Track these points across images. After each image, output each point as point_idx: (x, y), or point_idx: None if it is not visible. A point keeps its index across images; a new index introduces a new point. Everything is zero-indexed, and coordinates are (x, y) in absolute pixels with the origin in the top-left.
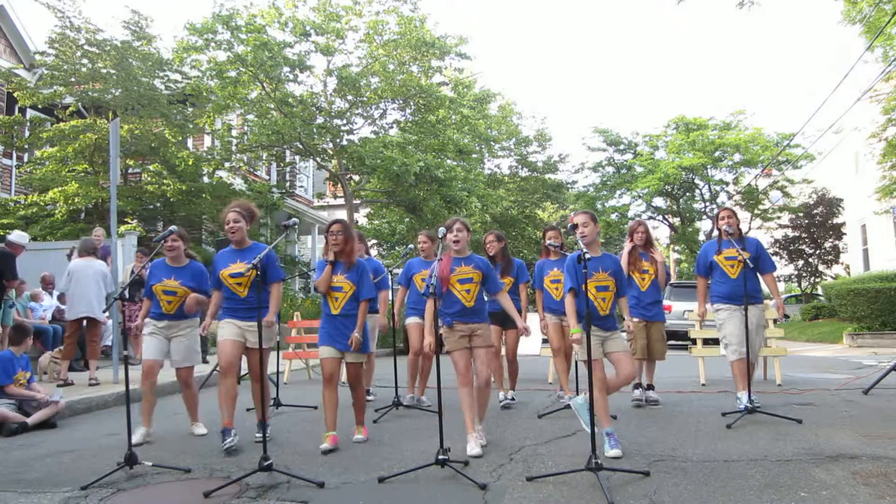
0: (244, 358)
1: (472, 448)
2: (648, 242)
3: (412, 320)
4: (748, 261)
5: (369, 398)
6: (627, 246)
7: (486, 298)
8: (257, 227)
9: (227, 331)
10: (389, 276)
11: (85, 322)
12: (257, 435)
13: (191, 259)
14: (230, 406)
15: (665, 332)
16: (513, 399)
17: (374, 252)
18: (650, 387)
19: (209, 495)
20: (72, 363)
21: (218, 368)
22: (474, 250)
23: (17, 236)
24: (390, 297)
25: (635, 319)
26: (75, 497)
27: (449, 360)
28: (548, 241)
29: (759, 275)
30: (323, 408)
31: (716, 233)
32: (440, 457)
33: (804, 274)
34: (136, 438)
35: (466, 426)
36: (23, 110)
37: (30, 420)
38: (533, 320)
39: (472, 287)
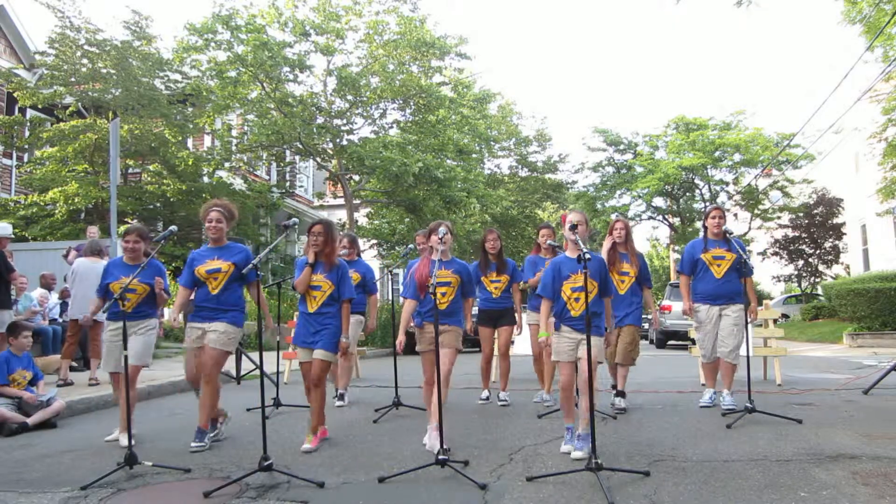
0: (245, 359)
1: (432, 442)
2: (628, 240)
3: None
4: (746, 261)
5: (341, 403)
6: (607, 243)
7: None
8: (257, 227)
9: (189, 336)
10: (389, 277)
11: (91, 322)
12: (193, 444)
13: (148, 257)
14: (206, 409)
15: (644, 333)
16: (505, 400)
17: (373, 252)
18: (621, 393)
19: (209, 495)
20: (72, 363)
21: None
22: (475, 249)
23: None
24: (389, 299)
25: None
26: (75, 497)
27: (458, 360)
28: (546, 241)
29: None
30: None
31: (702, 231)
32: (440, 457)
33: (804, 274)
34: (113, 437)
35: (429, 419)
36: (23, 110)
37: (30, 420)
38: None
39: (449, 291)
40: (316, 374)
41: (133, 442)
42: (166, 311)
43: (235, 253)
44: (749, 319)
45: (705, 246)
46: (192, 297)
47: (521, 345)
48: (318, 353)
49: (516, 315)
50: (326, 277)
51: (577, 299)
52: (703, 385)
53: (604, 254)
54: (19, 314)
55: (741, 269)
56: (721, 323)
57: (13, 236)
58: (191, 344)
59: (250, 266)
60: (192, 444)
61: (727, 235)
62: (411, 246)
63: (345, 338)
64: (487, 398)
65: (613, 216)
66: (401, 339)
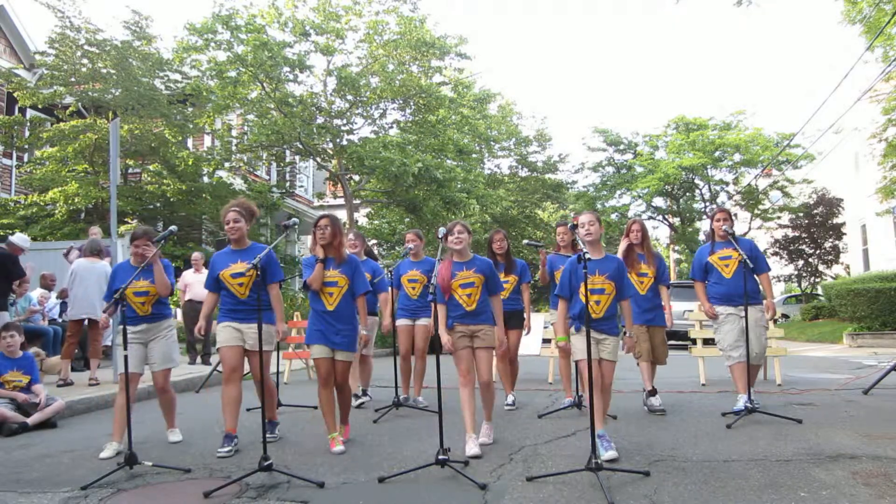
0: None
1: (471, 448)
2: (645, 241)
3: (400, 322)
4: (747, 261)
5: (364, 398)
6: (623, 244)
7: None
8: (257, 227)
9: (226, 335)
10: (389, 277)
11: (86, 322)
12: (270, 436)
13: (153, 255)
14: (234, 412)
15: (666, 335)
16: (513, 403)
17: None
18: (653, 392)
19: (209, 495)
20: (72, 363)
21: (220, 372)
22: (475, 250)
23: (18, 239)
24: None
25: (636, 325)
26: (75, 497)
27: (448, 359)
28: (559, 238)
29: (755, 275)
30: (322, 410)
31: (705, 234)
32: (440, 457)
33: (804, 274)
34: (106, 454)
35: (466, 426)
36: (23, 110)
37: (30, 420)
38: (535, 320)
39: (474, 291)
40: (341, 375)
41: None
42: (178, 311)
43: (256, 254)
44: (767, 316)
45: (712, 248)
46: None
47: (524, 344)
48: (341, 356)
49: (525, 315)
50: (341, 273)
51: (597, 301)
52: (736, 393)
53: (620, 254)
54: (19, 314)
55: (749, 268)
56: (746, 325)
57: (25, 249)
58: (229, 342)
59: (249, 266)
60: (269, 436)
61: (729, 236)
62: (410, 246)
63: (363, 330)
64: (514, 403)
65: (614, 216)
66: (446, 338)
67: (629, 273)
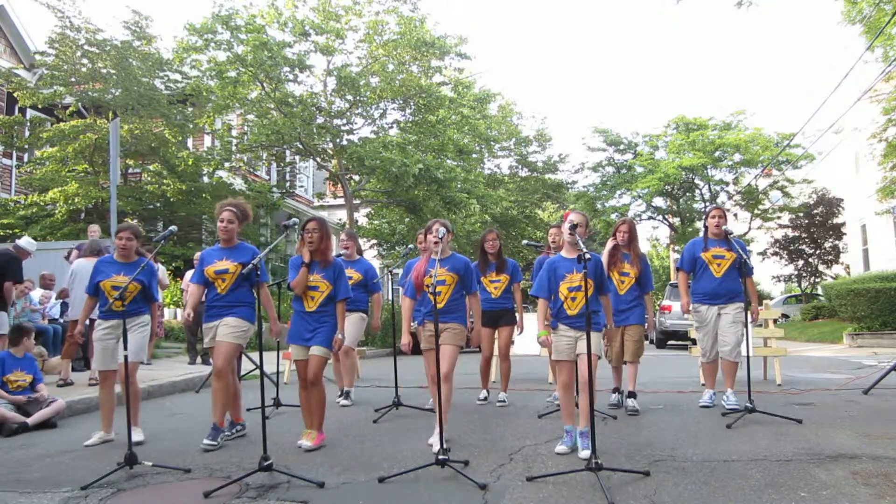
0: (242, 357)
1: (432, 437)
2: (632, 242)
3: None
4: (747, 260)
5: (347, 402)
6: (609, 244)
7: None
8: (257, 227)
9: (208, 337)
10: (389, 277)
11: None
12: (227, 433)
13: (141, 256)
14: (220, 405)
15: (646, 334)
16: (504, 400)
17: (373, 252)
18: (631, 394)
19: (209, 495)
20: (72, 363)
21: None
22: (474, 249)
23: (26, 242)
24: (389, 299)
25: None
26: (75, 497)
27: (459, 360)
28: (550, 240)
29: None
30: (301, 408)
31: (702, 231)
32: (440, 457)
33: (804, 274)
34: (90, 441)
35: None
36: (23, 110)
37: (30, 420)
38: (531, 321)
39: (444, 289)
40: (313, 371)
41: (134, 439)
42: (166, 311)
43: (243, 253)
44: (750, 320)
45: (705, 245)
46: (204, 297)
47: (525, 345)
48: (315, 350)
49: (517, 315)
50: (323, 277)
51: (573, 298)
52: (703, 385)
53: (605, 254)
54: (19, 314)
55: (741, 269)
56: (720, 322)
57: (32, 252)
58: (209, 343)
59: (249, 266)
60: (204, 442)
61: (727, 235)
62: (411, 246)
63: (339, 334)
64: (486, 398)
65: (614, 216)
66: (406, 339)
67: (611, 272)
